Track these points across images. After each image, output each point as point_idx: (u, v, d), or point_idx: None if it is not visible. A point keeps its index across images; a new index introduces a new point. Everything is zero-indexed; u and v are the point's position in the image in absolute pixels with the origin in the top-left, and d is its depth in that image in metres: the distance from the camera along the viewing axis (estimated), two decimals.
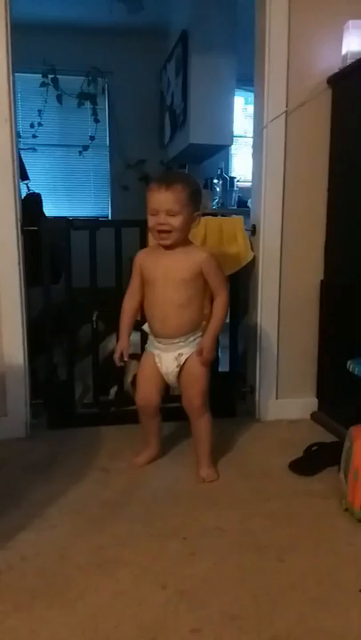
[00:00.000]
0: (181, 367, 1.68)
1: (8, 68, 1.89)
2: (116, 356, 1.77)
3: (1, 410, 2.06)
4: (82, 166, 4.35)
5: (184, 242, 1.64)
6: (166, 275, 1.63)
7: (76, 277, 2.12)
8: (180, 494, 1.63)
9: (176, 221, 1.56)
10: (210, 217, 2.13)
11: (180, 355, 1.67)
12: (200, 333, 1.68)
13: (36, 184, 3.48)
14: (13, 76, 1.92)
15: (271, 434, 2.10)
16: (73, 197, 4.40)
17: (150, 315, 1.70)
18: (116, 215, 4.42)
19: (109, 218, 4.46)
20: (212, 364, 2.18)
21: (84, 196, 4.45)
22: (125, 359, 1.77)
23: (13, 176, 1.93)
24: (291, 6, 2.04)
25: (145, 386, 1.75)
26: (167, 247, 1.63)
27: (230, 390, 2.27)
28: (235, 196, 4.11)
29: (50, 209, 3.23)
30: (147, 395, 1.75)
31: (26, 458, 1.89)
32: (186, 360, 1.67)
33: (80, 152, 4.28)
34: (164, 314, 1.65)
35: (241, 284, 2.25)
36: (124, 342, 1.76)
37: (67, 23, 3.95)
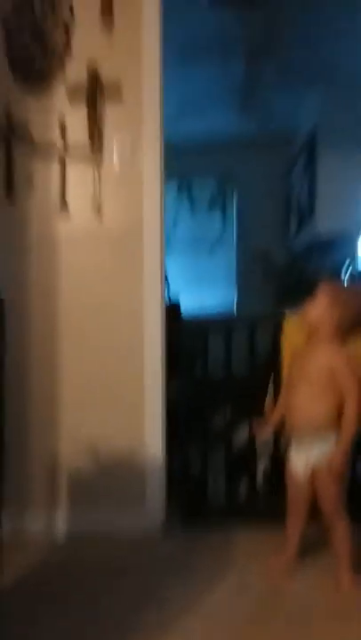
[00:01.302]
0: (313, 470, 1.69)
1: (160, 201, 2.14)
2: (258, 426, 1.92)
3: (140, 502, 2.14)
4: (212, 262, 4.67)
5: (329, 340, 1.71)
6: (301, 369, 1.73)
7: (212, 366, 2.26)
8: (323, 607, 1.56)
9: (312, 309, 1.72)
10: None
11: (310, 457, 1.69)
12: (332, 437, 1.67)
13: (171, 280, 3.81)
14: (164, 203, 2.18)
15: None
16: (204, 290, 4.69)
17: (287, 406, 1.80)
18: (242, 305, 4.61)
19: (236, 308, 4.66)
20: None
21: (213, 289, 4.73)
22: (263, 430, 1.90)
23: (160, 289, 2.16)
24: None
25: (292, 483, 1.77)
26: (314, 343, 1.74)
27: None
28: None
29: (184, 303, 3.49)
30: (294, 491, 1.77)
31: (164, 555, 1.93)
32: (317, 464, 1.67)
33: (210, 250, 4.62)
34: (294, 404, 1.73)
35: None
36: (267, 424, 1.89)
37: (201, 138, 4.42)
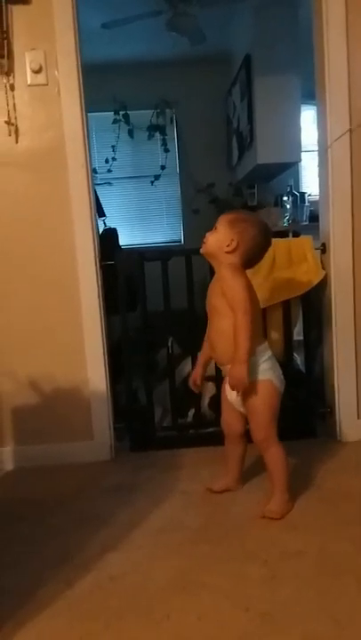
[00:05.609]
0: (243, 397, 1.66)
1: (82, 119, 2.02)
2: (190, 382, 1.85)
3: (88, 434, 2.18)
4: (154, 195, 4.54)
5: (227, 267, 1.61)
6: (209, 303, 1.68)
7: (152, 302, 2.21)
8: (260, 518, 1.63)
9: (211, 236, 1.63)
10: (278, 239, 2.15)
11: None
12: (258, 360, 1.63)
13: (111, 215, 3.69)
14: (87, 121, 2.05)
15: (353, 455, 2.06)
16: (147, 225, 4.58)
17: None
18: (189, 238, 4.54)
19: (182, 241, 4.59)
20: (295, 385, 2.16)
21: (157, 223, 4.62)
22: (196, 385, 1.84)
23: (91, 216, 2.07)
24: (348, 17, 1.99)
25: (226, 410, 1.76)
26: (215, 271, 1.68)
27: (309, 411, 2.25)
28: (306, 211, 4.09)
29: (126, 238, 3.40)
30: (227, 419, 1.76)
31: (112, 480, 1.98)
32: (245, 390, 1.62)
33: (152, 182, 4.46)
34: (213, 340, 1.70)
35: (315, 303, 2.24)
36: (195, 371, 1.83)
37: (133, 60, 4.16)
